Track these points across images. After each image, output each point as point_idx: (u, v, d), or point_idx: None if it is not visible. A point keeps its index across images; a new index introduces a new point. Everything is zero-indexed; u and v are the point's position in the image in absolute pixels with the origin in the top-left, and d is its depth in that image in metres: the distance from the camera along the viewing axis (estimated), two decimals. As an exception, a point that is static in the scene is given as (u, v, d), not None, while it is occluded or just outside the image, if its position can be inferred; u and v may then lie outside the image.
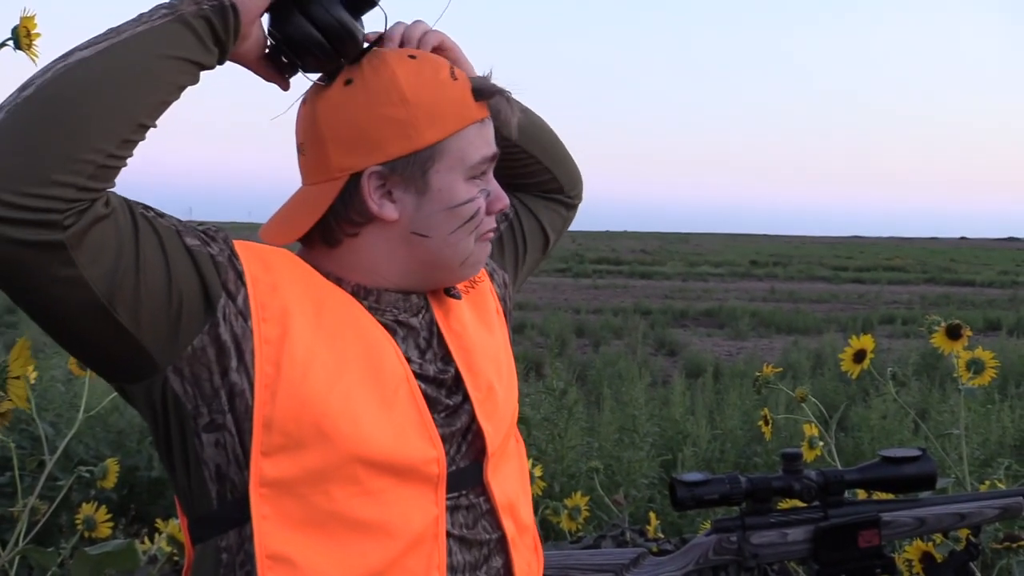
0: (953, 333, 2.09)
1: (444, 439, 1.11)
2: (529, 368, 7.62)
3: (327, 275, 1.12)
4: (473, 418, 1.15)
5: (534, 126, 1.35)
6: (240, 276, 1.03)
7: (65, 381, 4.27)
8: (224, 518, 1.04)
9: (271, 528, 1.02)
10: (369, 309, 1.12)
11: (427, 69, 1.11)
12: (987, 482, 2.24)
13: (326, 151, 1.10)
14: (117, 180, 0.94)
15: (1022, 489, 1.62)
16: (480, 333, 1.23)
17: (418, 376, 1.12)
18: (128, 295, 0.94)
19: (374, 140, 1.09)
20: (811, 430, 2.19)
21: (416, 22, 1.17)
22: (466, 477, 1.14)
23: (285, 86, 1.15)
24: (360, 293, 1.13)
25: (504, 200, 1.18)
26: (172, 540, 2.07)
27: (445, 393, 1.15)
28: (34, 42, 1.51)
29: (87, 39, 0.96)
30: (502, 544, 1.16)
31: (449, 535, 1.10)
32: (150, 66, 0.95)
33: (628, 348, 10.94)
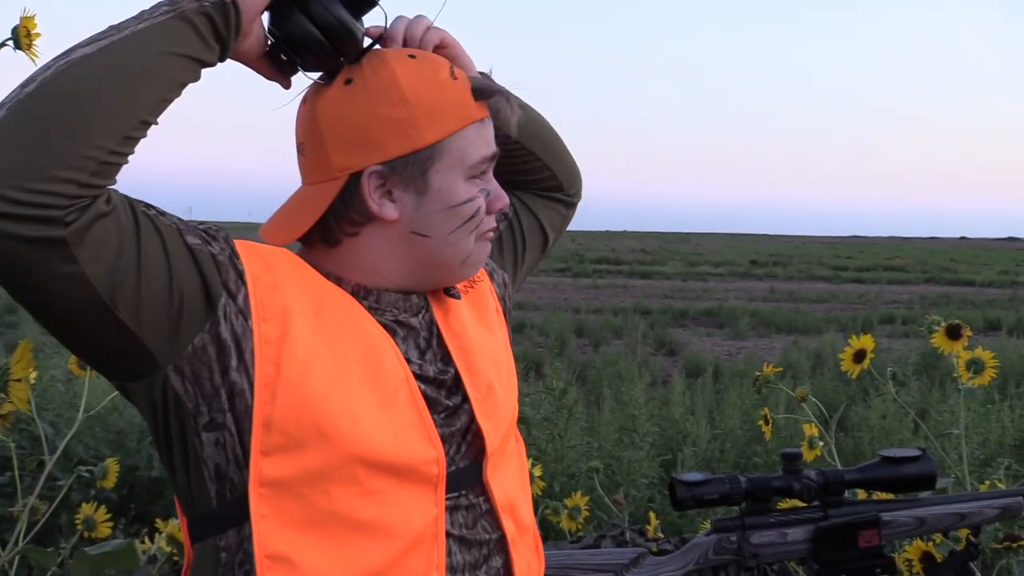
0: (953, 333, 2.09)
1: (444, 439, 1.11)
2: (529, 368, 7.62)
3: (327, 275, 1.12)
4: (472, 418, 1.15)
5: (533, 122, 1.35)
6: (240, 275, 1.03)
7: (65, 381, 4.27)
8: (223, 517, 1.04)
9: (270, 528, 1.02)
10: (369, 309, 1.12)
11: (427, 69, 1.11)
12: (987, 482, 2.24)
13: (326, 151, 1.10)
14: (118, 178, 0.94)
15: (1022, 489, 1.62)
16: (480, 333, 1.23)
17: (418, 376, 1.12)
18: (129, 292, 0.94)
19: (374, 140, 1.09)
20: (811, 430, 2.19)
21: (418, 17, 1.17)
22: (466, 477, 1.14)
23: (287, 84, 1.15)
24: (360, 293, 1.13)
25: (504, 199, 1.18)
26: (172, 540, 2.07)
27: (445, 393, 1.14)
28: (34, 42, 1.51)
29: (89, 36, 0.96)
30: (502, 544, 1.16)
31: (449, 535, 1.10)
32: (151, 63, 0.95)
33: (628, 348, 10.94)
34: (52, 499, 1.96)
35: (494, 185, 1.17)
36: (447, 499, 1.11)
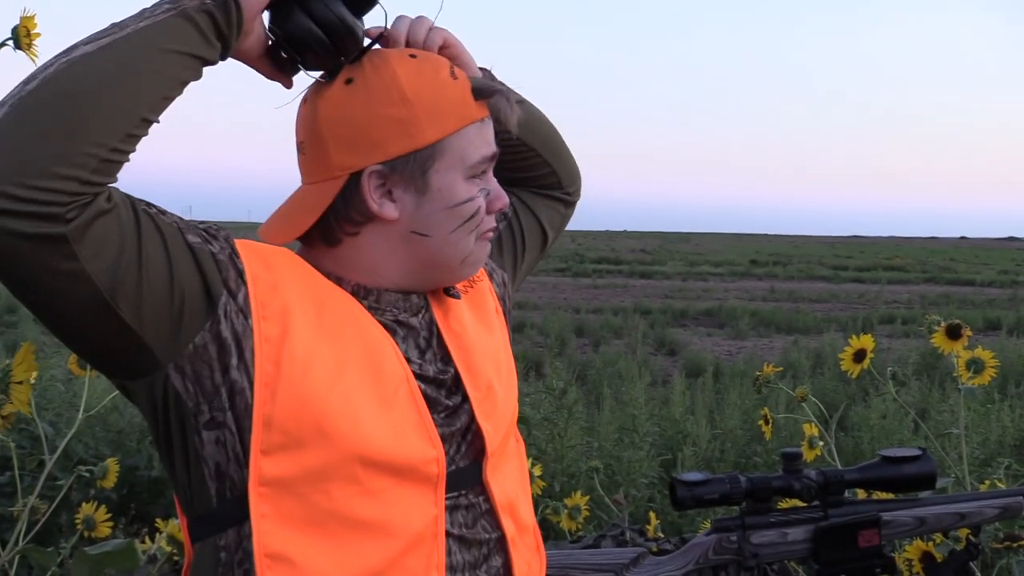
0: (953, 333, 2.09)
1: (444, 439, 1.11)
2: (529, 368, 7.62)
3: (327, 274, 1.12)
4: (472, 418, 1.15)
5: (533, 118, 1.35)
6: (241, 274, 1.03)
7: (65, 381, 4.27)
8: (223, 516, 1.04)
9: (270, 527, 1.02)
10: (369, 309, 1.12)
11: (427, 68, 1.11)
12: (987, 482, 2.24)
13: (326, 150, 1.10)
14: (119, 177, 0.94)
15: (1022, 489, 1.62)
16: (479, 333, 1.23)
17: (418, 376, 1.12)
18: (131, 290, 0.94)
19: (374, 139, 1.09)
20: (811, 430, 2.19)
21: (420, 18, 1.17)
22: (465, 477, 1.14)
23: (288, 84, 1.15)
24: (360, 293, 1.13)
25: (504, 199, 1.18)
26: (172, 540, 2.07)
27: (445, 393, 1.15)
28: (34, 42, 1.51)
29: (90, 34, 0.96)
30: (501, 544, 1.16)
31: (448, 535, 1.10)
32: (153, 60, 0.96)
33: (628, 348, 10.94)
34: (52, 499, 1.97)
35: (494, 185, 1.17)
36: (447, 499, 1.11)
